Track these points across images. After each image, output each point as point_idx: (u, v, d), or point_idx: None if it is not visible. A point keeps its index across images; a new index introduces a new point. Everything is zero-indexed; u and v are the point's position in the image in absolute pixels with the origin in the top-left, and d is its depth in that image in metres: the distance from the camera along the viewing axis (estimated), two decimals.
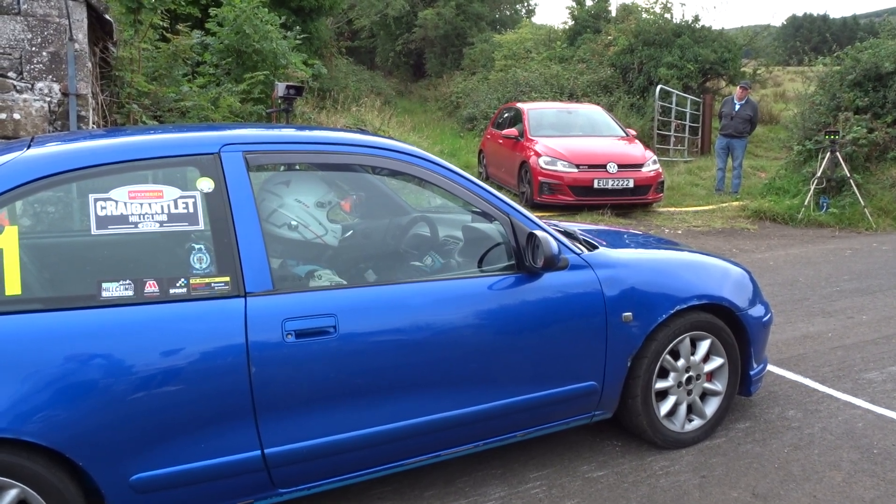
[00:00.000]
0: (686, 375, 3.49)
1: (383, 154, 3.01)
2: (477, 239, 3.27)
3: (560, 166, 10.27)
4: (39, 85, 6.40)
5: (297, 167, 3.34)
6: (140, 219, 2.47)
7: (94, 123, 6.81)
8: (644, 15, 18.65)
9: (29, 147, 2.56)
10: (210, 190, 2.59)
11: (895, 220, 10.09)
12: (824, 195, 10.60)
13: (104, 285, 2.38)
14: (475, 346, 2.94)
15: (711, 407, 3.61)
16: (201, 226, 2.55)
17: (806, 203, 10.38)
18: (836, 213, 10.27)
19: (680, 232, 9.53)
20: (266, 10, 10.83)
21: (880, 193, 10.48)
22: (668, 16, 18.15)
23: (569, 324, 3.14)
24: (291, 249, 3.20)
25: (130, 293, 2.40)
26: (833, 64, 12.37)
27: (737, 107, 12.07)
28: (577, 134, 11.46)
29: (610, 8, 21.32)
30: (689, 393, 3.53)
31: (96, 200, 2.44)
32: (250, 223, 2.59)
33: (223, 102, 8.86)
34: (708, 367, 3.56)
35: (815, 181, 10.48)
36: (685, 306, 3.37)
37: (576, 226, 4.06)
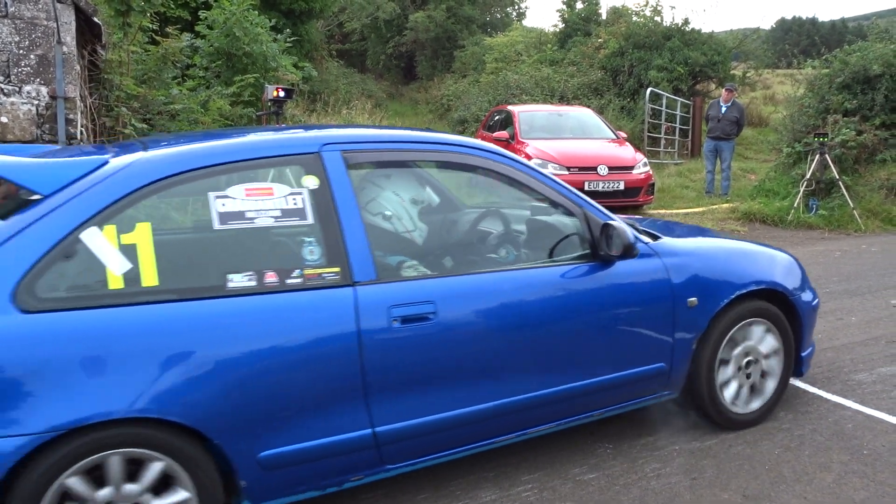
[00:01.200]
0: (745, 359, 3.69)
1: (470, 152, 3.21)
2: (540, 230, 3.50)
3: (550, 169, 10.27)
4: (27, 88, 6.36)
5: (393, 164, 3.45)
6: (256, 214, 2.66)
7: (81, 127, 6.77)
8: (634, 18, 18.73)
9: (146, 148, 2.72)
10: (315, 187, 2.76)
11: (884, 222, 10.15)
12: (814, 197, 10.66)
13: (229, 276, 2.56)
14: (558, 330, 3.13)
15: (769, 388, 3.80)
16: (310, 220, 2.73)
17: (795, 205, 10.43)
18: (825, 214, 10.33)
19: None
20: (256, 12, 10.81)
21: (869, 195, 10.55)
22: (658, 19, 18.24)
23: (641, 308, 3.34)
24: (383, 239, 3.35)
25: (253, 283, 2.58)
26: (822, 66, 12.46)
27: (723, 109, 12.13)
28: (568, 136, 11.48)
29: (600, 11, 21.39)
30: (749, 375, 3.73)
31: (216, 198, 2.62)
32: (353, 218, 2.77)
33: (213, 105, 8.84)
34: (765, 350, 3.75)
35: (805, 183, 10.53)
36: (744, 291, 3.59)
37: (628, 218, 4.19)
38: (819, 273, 7.33)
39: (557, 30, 21.91)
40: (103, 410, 2.30)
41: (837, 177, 10.37)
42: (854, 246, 8.85)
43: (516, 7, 31.63)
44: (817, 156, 10.53)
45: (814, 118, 11.90)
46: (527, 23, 30.49)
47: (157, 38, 9.20)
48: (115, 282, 2.42)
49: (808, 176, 10.54)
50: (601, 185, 10.19)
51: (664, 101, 15.56)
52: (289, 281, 2.63)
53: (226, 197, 2.63)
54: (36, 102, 6.37)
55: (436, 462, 3.04)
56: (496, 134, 11.69)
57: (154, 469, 2.42)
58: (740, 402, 3.70)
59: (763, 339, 3.74)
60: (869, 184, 10.80)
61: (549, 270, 3.19)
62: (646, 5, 18.77)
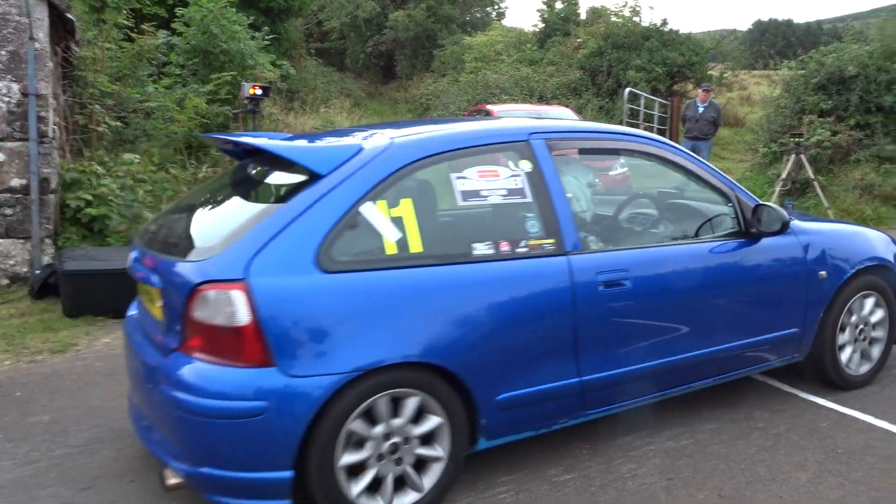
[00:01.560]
0: (859, 328, 4.21)
1: (646, 142, 3.69)
2: (696, 210, 3.93)
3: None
4: None
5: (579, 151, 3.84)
6: (489, 193, 3.11)
7: (53, 124, 6.66)
8: (613, 18, 18.81)
9: (392, 134, 3.13)
10: (530, 170, 3.20)
11: (858, 221, 10.27)
12: (789, 197, 10.76)
13: (474, 245, 3.00)
14: (718, 295, 3.65)
15: (875, 354, 4.32)
16: (529, 198, 3.16)
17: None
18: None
19: None
20: (234, 10, 10.71)
21: (843, 195, 10.68)
22: (636, 19, 18.33)
23: (782, 279, 3.87)
24: None
25: (492, 251, 3.01)
26: (798, 68, 12.59)
27: (700, 109, 12.21)
28: None
29: (579, 11, 21.46)
30: (861, 341, 4.26)
31: (457, 178, 3.09)
32: (561, 196, 3.21)
33: (189, 103, 8.74)
34: (874, 319, 4.28)
35: (781, 183, 10.63)
36: (862, 267, 4.11)
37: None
38: None
39: (537, 30, 21.95)
40: (386, 356, 2.73)
41: (812, 177, 10.49)
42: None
43: (496, 7, 31.65)
44: (793, 156, 10.63)
45: (790, 118, 12.03)
46: (506, 22, 30.55)
47: (133, 35, 9.08)
48: (391, 248, 2.83)
49: (783, 176, 10.65)
50: None
51: (642, 101, 15.63)
52: (518, 250, 3.07)
53: (464, 177, 3.09)
54: (7, 99, 6.25)
55: (618, 411, 3.51)
56: None
57: (411, 404, 2.82)
58: (853, 365, 4.23)
59: (874, 310, 4.27)
60: (843, 183, 10.93)
61: (710, 245, 3.67)
62: (624, 6, 18.86)
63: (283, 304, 2.62)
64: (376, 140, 3.04)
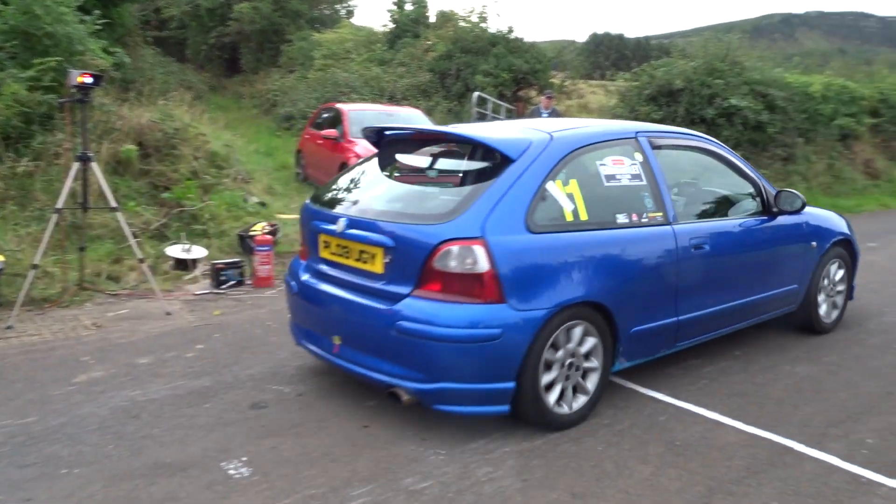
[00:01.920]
0: (831, 286, 5.69)
1: (707, 142, 5.01)
2: (735, 196, 5.06)
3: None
4: None
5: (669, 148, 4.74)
6: (620, 176, 4.12)
7: None
8: (461, 23, 19.15)
9: (546, 129, 4.06)
10: (642, 160, 4.27)
11: None
12: None
13: (617, 215, 4.03)
14: (756, 256, 4.94)
15: (839, 302, 5.80)
16: (644, 182, 4.23)
17: None
18: None
19: None
20: None
21: None
22: (484, 25, 18.76)
23: (791, 247, 5.25)
24: None
25: (627, 221, 4.05)
26: (632, 80, 13.38)
27: (544, 115, 12.67)
28: None
29: (429, 14, 21.66)
30: (831, 295, 5.71)
31: (599, 164, 4.07)
32: (663, 181, 4.32)
33: (7, 90, 7.89)
34: (837, 279, 5.75)
35: None
36: (835, 240, 5.58)
37: None
38: None
39: (387, 30, 21.94)
40: (565, 298, 3.65)
41: None
42: None
43: (345, 4, 31.31)
44: None
45: None
46: (356, 21, 30.28)
47: None
48: (569, 216, 3.81)
49: None
50: None
51: (490, 106, 16.02)
52: (642, 220, 4.13)
53: (604, 164, 4.08)
54: None
55: (693, 344, 4.69)
56: (325, 132, 11.46)
57: (578, 331, 3.81)
58: (824, 315, 5.63)
59: (838, 273, 5.74)
60: None
61: (749, 220, 4.95)
62: (472, 11, 19.27)
63: (509, 256, 3.48)
64: (536, 134, 3.97)
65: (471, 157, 3.89)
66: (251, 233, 7.41)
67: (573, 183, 3.84)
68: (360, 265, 3.82)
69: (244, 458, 3.44)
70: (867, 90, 15.66)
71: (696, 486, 3.30)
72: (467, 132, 4.06)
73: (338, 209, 4.11)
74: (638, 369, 4.70)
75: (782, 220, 5.08)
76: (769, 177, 12.59)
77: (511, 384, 3.53)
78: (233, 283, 6.76)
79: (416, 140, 4.45)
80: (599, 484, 3.28)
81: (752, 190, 5.04)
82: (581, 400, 3.90)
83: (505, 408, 3.58)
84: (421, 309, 3.47)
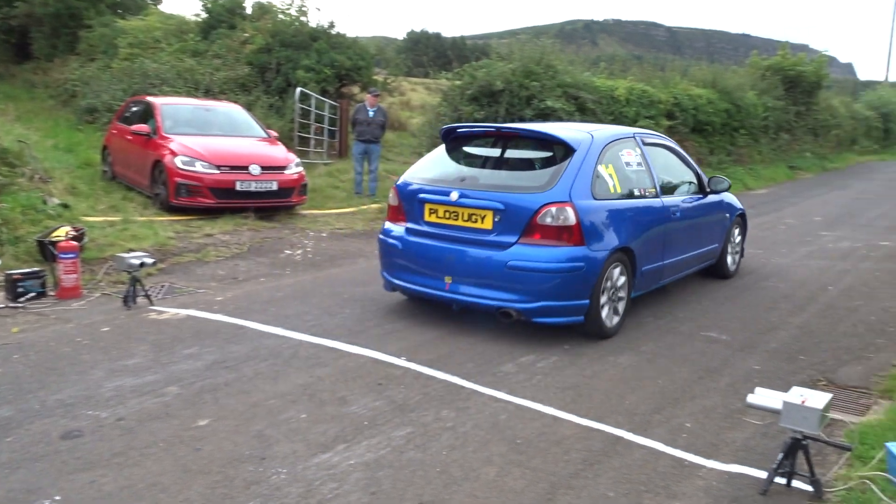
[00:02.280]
0: (734, 245, 7.96)
1: (668, 141, 7.22)
2: (685, 182, 7.06)
3: (199, 167, 9.65)
4: None
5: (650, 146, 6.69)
6: (632, 163, 6.09)
7: None
8: (280, 16, 18.54)
9: (591, 132, 5.97)
10: (640, 153, 6.25)
11: None
12: None
13: (633, 190, 5.99)
14: (698, 223, 6.92)
15: (738, 258, 8.13)
16: (644, 168, 6.21)
17: None
18: None
19: (325, 234, 9.61)
20: None
21: None
22: (304, 19, 18.29)
23: (716, 215, 7.36)
24: None
25: (638, 194, 5.97)
26: (455, 79, 13.63)
27: (371, 113, 12.62)
28: (217, 133, 10.90)
29: (245, 4, 20.77)
30: (734, 252, 8.03)
31: (620, 154, 5.98)
32: (653, 167, 6.28)
33: None
34: (736, 240, 8.03)
35: None
36: (737, 213, 7.91)
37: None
38: None
39: (200, 19, 20.77)
40: (615, 244, 5.47)
41: None
42: None
43: None
44: None
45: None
46: (164, 8, 28.40)
47: None
48: (611, 189, 5.67)
49: None
50: (254, 185, 9.86)
51: (313, 102, 15.67)
52: (646, 194, 6.06)
53: (623, 154, 5.98)
54: None
55: (666, 283, 6.72)
56: (135, 127, 10.65)
57: (618, 269, 5.64)
58: (730, 264, 7.88)
59: (738, 237, 8.04)
60: None
61: (694, 197, 6.93)
62: (291, 4, 18.71)
63: (586, 214, 5.23)
64: (582, 133, 5.83)
65: (543, 149, 5.86)
66: (53, 238, 6.70)
67: (610, 167, 5.77)
68: (469, 224, 5.50)
69: (57, 498, 3.07)
70: (663, 94, 17.09)
71: (540, 483, 3.37)
72: (538, 128, 6.09)
73: (445, 186, 5.69)
74: (476, 369, 4.76)
75: (711, 198, 7.23)
76: None
77: (586, 301, 5.32)
78: (33, 295, 6.07)
79: (486, 135, 6.28)
80: (448, 490, 3.26)
81: (693, 176, 7.15)
82: (615, 319, 5.70)
83: (581, 318, 5.36)
84: (527, 251, 5.23)
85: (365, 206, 11.80)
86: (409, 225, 5.87)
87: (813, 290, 7.41)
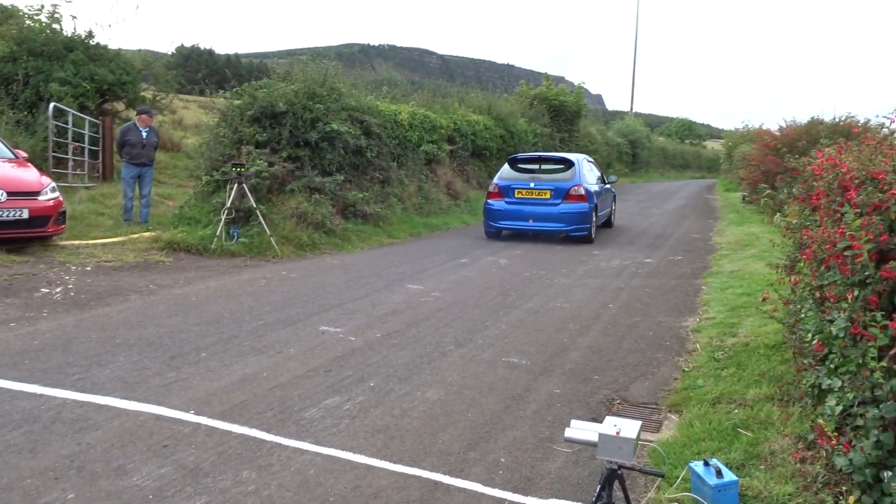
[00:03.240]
0: (613, 208, 17.13)
1: (591, 158, 16.54)
2: (599, 176, 15.71)
3: None
4: None
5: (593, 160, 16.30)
6: (594, 169, 15.54)
7: None
8: (28, 22, 16.49)
9: (576, 156, 14.97)
10: (592, 164, 15.52)
11: (297, 248, 10.99)
12: (234, 225, 10.92)
13: (599, 182, 15.15)
14: (607, 195, 15.68)
15: (614, 220, 17.22)
16: (595, 171, 15.49)
17: (218, 233, 10.51)
18: (246, 242, 10.67)
19: (90, 268, 8.54)
20: None
21: (283, 223, 11.30)
22: (57, 27, 16.42)
23: (610, 193, 15.99)
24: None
25: (600, 181, 15.25)
26: (234, 98, 12.90)
27: (144, 134, 11.58)
28: None
29: None
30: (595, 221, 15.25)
31: (590, 164, 15.27)
32: (596, 171, 15.56)
33: None
34: (614, 208, 17.35)
35: (225, 211, 10.70)
36: (614, 194, 16.62)
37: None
38: (251, 304, 7.41)
39: None
40: (594, 202, 13.73)
41: (255, 205, 10.84)
42: (276, 273, 9.29)
43: None
44: (236, 185, 10.82)
45: (229, 147, 12.23)
46: None
47: None
48: (590, 180, 14.17)
49: (228, 204, 10.74)
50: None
51: (70, 119, 14.05)
52: (597, 182, 14.73)
53: (589, 164, 14.89)
54: None
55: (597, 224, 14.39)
56: None
57: (594, 213, 13.91)
58: (613, 220, 16.49)
59: (614, 205, 16.55)
60: (282, 212, 11.57)
61: (602, 184, 15.09)
62: (41, 9, 16.72)
63: (586, 190, 13.20)
64: (575, 155, 14.48)
65: (561, 163, 13.84)
66: None
67: (587, 170, 13.89)
68: (539, 196, 13.22)
69: None
70: (444, 120, 17.57)
71: None
72: (557, 155, 14.72)
73: (523, 181, 13.47)
74: (277, 418, 4.35)
75: (608, 186, 15.23)
76: (371, 198, 13.24)
77: (588, 225, 13.13)
78: None
79: (531, 160, 14.34)
80: None
81: (602, 175, 15.09)
82: (593, 232, 13.47)
83: (586, 233, 13.12)
84: (567, 206, 13.03)
85: (136, 235, 10.72)
86: (507, 199, 13.38)
87: (595, 308, 7.82)
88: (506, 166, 14.11)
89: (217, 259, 10.08)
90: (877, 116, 12.48)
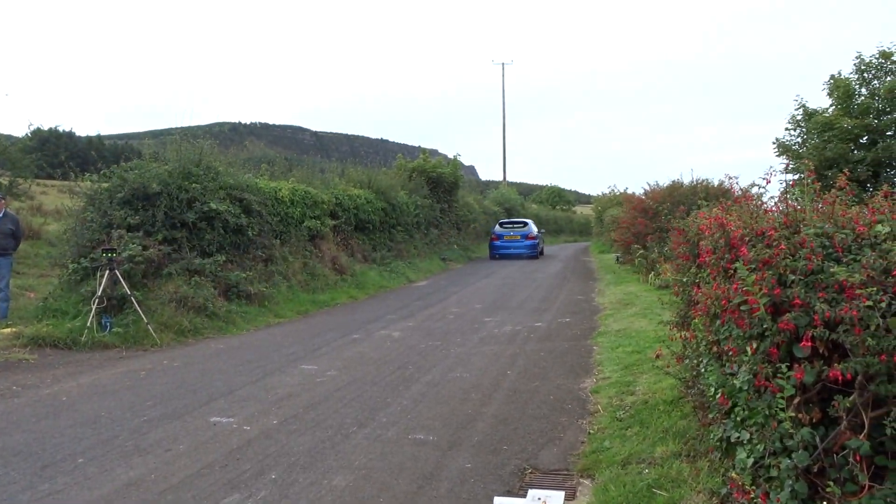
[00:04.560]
0: (541, 242, 33.71)
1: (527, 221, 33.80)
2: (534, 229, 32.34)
3: None
4: None
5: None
6: (536, 224, 37.19)
7: None
8: None
9: (528, 218, 38.75)
10: (533, 221, 37.78)
11: (177, 334, 10.38)
12: (107, 314, 10.20)
13: (537, 231, 32.93)
14: (539, 240, 31.58)
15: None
16: (536, 225, 34.94)
17: (89, 324, 9.78)
18: (120, 332, 9.98)
19: None
20: None
21: (161, 309, 10.67)
22: None
23: (541, 238, 32.50)
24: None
25: (535, 231, 31.77)
26: (102, 181, 12.26)
27: None
28: None
29: None
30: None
31: (533, 222, 35.86)
32: (535, 228, 32.01)
33: None
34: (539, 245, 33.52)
35: (97, 300, 10.00)
36: (541, 238, 32.29)
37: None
38: (132, 399, 6.85)
39: None
40: (540, 241, 33.44)
41: (129, 292, 10.20)
42: (156, 363, 8.69)
43: None
44: (107, 271, 10.17)
45: (98, 232, 11.54)
46: None
47: None
48: (536, 230, 32.66)
49: (99, 293, 10.05)
50: None
51: None
52: (535, 231, 31.11)
53: (534, 222, 34.96)
54: None
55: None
56: None
57: (539, 246, 32.57)
58: (540, 251, 31.34)
59: (540, 247, 31.84)
60: (159, 297, 10.93)
61: (537, 233, 31.82)
62: None
63: (536, 234, 30.37)
64: (528, 220, 34.20)
65: (522, 222, 31.50)
66: None
67: (534, 225, 31.77)
68: (514, 238, 29.17)
69: None
70: (325, 195, 17.42)
71: None
72: (519, 219, 35.51)
73: (507, 230, 29.93)
74: None
75: (541, 233, 31.88)
76: (254, 277, 12.81)
77: (537, 251, 30.04)
78: None
79: (508, 221, 32.63)
80: None
81: (537, 230, 31.11)
82: (541, 253, 31.29)
83: (536, 254, 29.74)
84: (529, 243, 29.02)
85: None
86: (500, 240, 29.03)
87: (495, 376, 7.78)
88: (496, 225, 31.57)
89: (89, 352, 9.34)
90: (726, 176, 13.45)
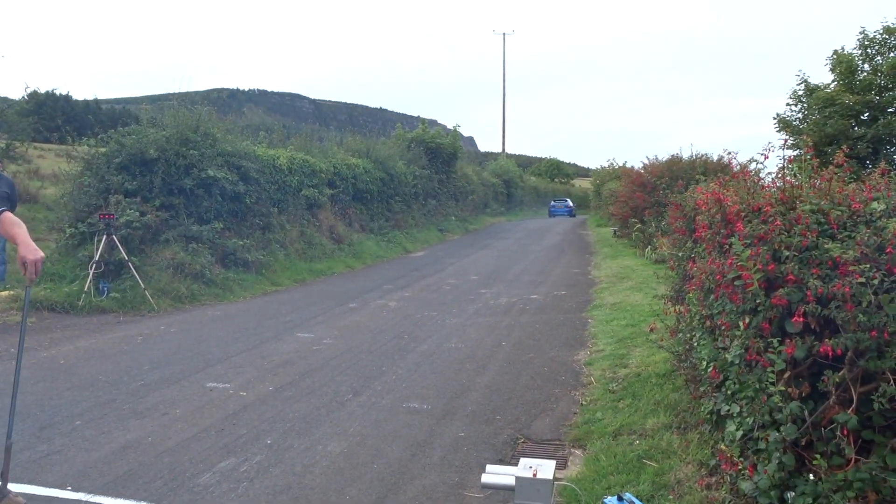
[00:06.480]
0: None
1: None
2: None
3: None
4: None
5: None
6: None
7: None
8: None
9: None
10: (568, 199, 55.86)
11: (174, 300, 10.41)
12: (104, 279, 10.23)
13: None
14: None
15: None
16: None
17: (86, 289, 9.81)
18: (118, 297, 10.01)
19: None
20: None
21: (158, 275, 10.69)
22: None
23: (574, 213, 50.51)
24: None
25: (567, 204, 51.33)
26: (99, 146, 12.20)
27: None
28: None
29: None
30: None
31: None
32: (571, 202, 51.64)
33: None
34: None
35: (94, 265, 10.02)
36: (573, 213, 49.59)
37: None
38: (128, 363, 6.90)
39: None
40: None
41: (126, 258, 10.21)
42: (153, 328, 8.73)
43: None
44: (104, 237, 10.17)
45: (95, 198, 11.51)
46: None
47: None
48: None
49: (96, 258, 10.06)
50: None
51: None
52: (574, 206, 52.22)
53: (568, 200, 54.00)
54: None
55: None
56: None
57: None
58: None
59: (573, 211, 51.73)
60: (156, 263, 10.95)
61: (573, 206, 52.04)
62: None
63: (571, 206, 49.74)
64: (566, 197, 55.30)
65: (564, 199, 52.05)
66: None
67: (569, 200, 52.32)
68: (560, 206, 48.05)
69: None
70: (323, 164, 17.36)
71: None
72: (563, 198, 53.80)
73: (557, 204, 49.56)
74: (167, 487, 4.01)
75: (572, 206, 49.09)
76: (251, 245, 12.81)
77: (574, 215, 47.47)
78: None
79: (555, 199, 52.58)
80: None
81: (572, 203, 49.53)
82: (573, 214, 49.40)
83: (573, 215, 47.81)
84: (567, 209, 47.93)
85: None
86: (553, 208, 48.76)
87: (490, 347, 7.84)
88: (552, 200, 51.44)
89: (86, 317, 9.37)
90: (725, 151, 13.39)
